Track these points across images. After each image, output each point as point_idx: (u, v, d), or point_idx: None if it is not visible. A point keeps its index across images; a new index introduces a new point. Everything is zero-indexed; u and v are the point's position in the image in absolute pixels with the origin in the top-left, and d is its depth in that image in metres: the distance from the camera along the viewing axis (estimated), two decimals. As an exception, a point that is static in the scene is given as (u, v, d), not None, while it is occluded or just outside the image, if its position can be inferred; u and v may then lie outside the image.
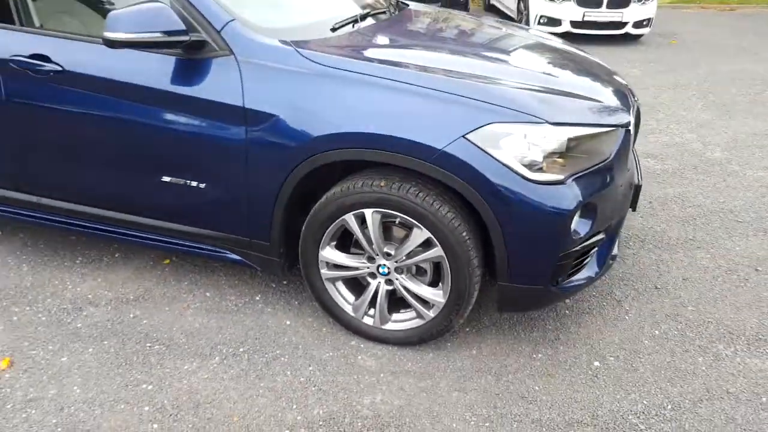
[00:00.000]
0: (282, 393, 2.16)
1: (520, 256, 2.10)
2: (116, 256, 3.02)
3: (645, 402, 2.15)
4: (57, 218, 2.68)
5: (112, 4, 2.51)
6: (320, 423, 2.04)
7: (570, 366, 2.32)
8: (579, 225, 2.14)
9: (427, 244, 2.15)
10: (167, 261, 2.97)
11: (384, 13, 2.98)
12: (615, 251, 2.49)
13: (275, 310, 2.62)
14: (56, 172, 2.56)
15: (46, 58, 2.32)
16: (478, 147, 1.97)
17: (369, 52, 2.29)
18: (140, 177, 2.41)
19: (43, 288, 2.75)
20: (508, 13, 9.81)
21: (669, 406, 2.13)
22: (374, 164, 2.16)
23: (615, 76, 2.71)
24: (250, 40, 2.16)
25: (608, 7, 8.05)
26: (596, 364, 2.34)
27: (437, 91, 2.04)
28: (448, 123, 2.00)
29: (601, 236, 2.27)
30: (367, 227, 2.20)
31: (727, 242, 3.24)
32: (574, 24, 8.19)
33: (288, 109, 2.11)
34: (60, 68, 2.31)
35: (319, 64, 2.12)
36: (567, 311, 2.65)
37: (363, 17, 2.71)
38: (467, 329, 2.51)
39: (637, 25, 8.32)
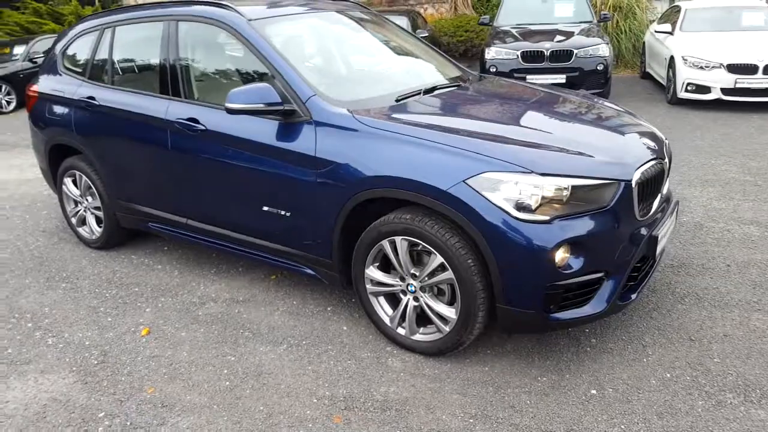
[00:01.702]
0: (321, 375, 2.77)
1: (512, 283, 2.51)
2: (239, 269, 3.91)
3: (623, 427, 2.37)
4: (197, 236, 3.65)
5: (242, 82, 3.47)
6: (341, 399, 2.60)
7: (567, 390, 2.60)
8: (571, 261, 2.49)
9: (441, 268, 2.66)
10: (273, 276, 3.79)
11: (456, 86, 3.57)
12: (633, 296, 2.75)
13: (339, 318, 3.26)
14: (197, 200, 3.54)
15: (196, 121, 3.33)
16: (475, 190, 2.48)
17: (410, 117, 2.90)
18: (250, 206, 3.25)
19: (183, 287, 3.72)
20: (659, 80, 9.70)
21: (647, 434, 2.33)
22: (410, 203, 2.73)
23: (641, 138, 2.95)
24: (323, 109, 2.92)
25: (765, 72, 7.68)
26: (593, 392, 2.59)
27: (448, 146, 2.60)
28: (453, 170, 2.54)
29: (599, 275, 2.57)
30: (398, 252, 2.77)
31: (793, 307, 3.19)
32: (725, 91, 7.92)
33: (343, 158, 2.82)
34: (204, 128, 3.30)
35: (366, 125, 2.81)
36: (589, 348, 2.91)
37: (428, 90, 3.34)
38: (488, 351, 2.91)
39: (800, 91, 7.78)
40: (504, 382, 2.68)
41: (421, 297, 2.80)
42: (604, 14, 10.07)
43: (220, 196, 3.40)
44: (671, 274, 3.60)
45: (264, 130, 3.08)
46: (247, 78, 3.29)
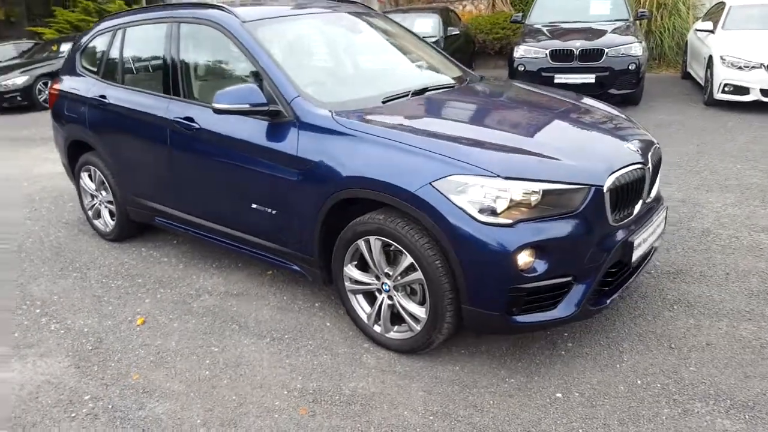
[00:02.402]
0: (297, 368, 2.86)
1: (476, 285, 2.54)
2: (239, 265, 4.04)
3: (581, 431, 2.37)
4: (197, 231, 3.80)
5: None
6: (311, 392, 2.69)
7: (533, 392, 2.61)
8: (536, 264, 2.49)
9: (412, 268, 2.70)
10: (270, 272, 3.90)
11: (449, 87, 3.59)
12: (607, 302, 2.73)
13: (324, 314, 3.34)
14: (194, 196, 3.68)
15: (191, 119, 3.47)
16: (441, 192, 2.51)
17: (388, 119, 2.94)
18: (240, 203, 3.36)
19: (184, 279, 3.88)
20: (698, 80, 9.38)
21: (604, 440, 2.32)
22: (386, 204, 2.77)
23: (624, 142, 2.90)
24: (306, 110, 3.00)
25: (806, 74, 7.34)
26: (558, 395, 2.59)
27: (418, 149, 2.64)
28: (421, 172, 2.58)
29: (566, 279, 2.57)
30: (372, 251, 2.83)
31: (786, 318, 3.09)
32: (764, 92, 7.60)
33: (322, 158, 2.89)
34: (198, 126, 3.43)
35: (345, 126, 2.87)
36: (563, 352, 2.90)
37: (419, 92, 3.37)
38: (462, 351, 2.93)
39: None
40: (472, 381, 2.70)
41: (395, 296, 2.85)
42: (642, 12, 9.80)
43: (214, 193, 3.53)
44: (666, 280, 3.53)
45: (253, 130, 3.18)
46: (240, 78, 3.40)
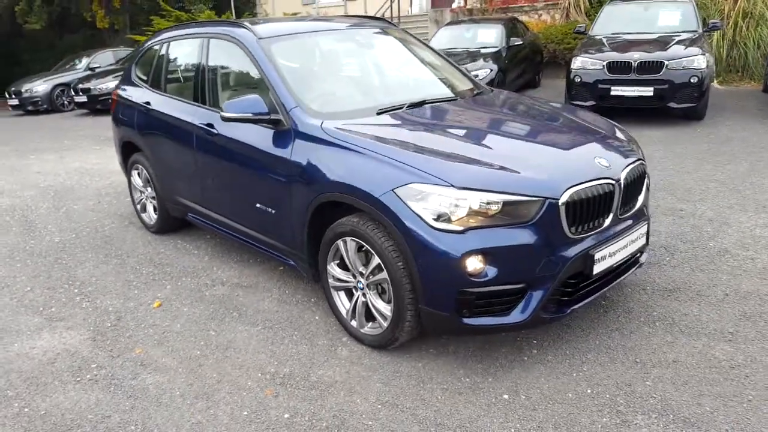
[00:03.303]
0: (276, 354, 3.14)
1: (429, 286, 2.71)
2: (258, 259, 4.39)
3: (513, 431, 2.48)
4: (219, 227, 4.18)
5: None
6: (281, 376, 2.95)
7: (482, 392, 2.74)
8: (487, 270, 2.63)
9: (380, 269, 2.91)
10: (281, 268, 4.21)
11: (450, 100, 3.77)
12: (566, 311, 2.82)
13: (317, 308, 3.60)
14: (214, 194, 4.06)
15: (212, 126, 3.85)
16: (401, 199, 2.71)
17: (371, 130, 3.14)
18: (247, 202, 3.70)
19: (205, 270, 4.27)
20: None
21: (535, 441, 2.42)
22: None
23: (595, 158, 2.94)
24: (301, 119, 3.29)
25: None
26: (505, 396, 2.70)
27: (387, 158, 2.85)
28: (386, 180, 2.78)
29: (519, 286, 2.69)
30: (348, 251, 3.06)
31: (765, 344, 3.01)
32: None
33: (309, 164, 3.16)
34: (216, 132, 3.81)
35: (330, 135, 3.13)
36: (526, 357, 3.00)
37: (416, 104, 3.57)
38: (431, 350, 3.10)
39: None
40: (429, 378, 2.87)
41: (367, 294, 3.06)
42: (714, 23, 9.38)
43: (228, 193, 3.90)
44: (659, 297, 3.52)
45: (260, 136, 3.50)
46: (253, 89, 3.73)
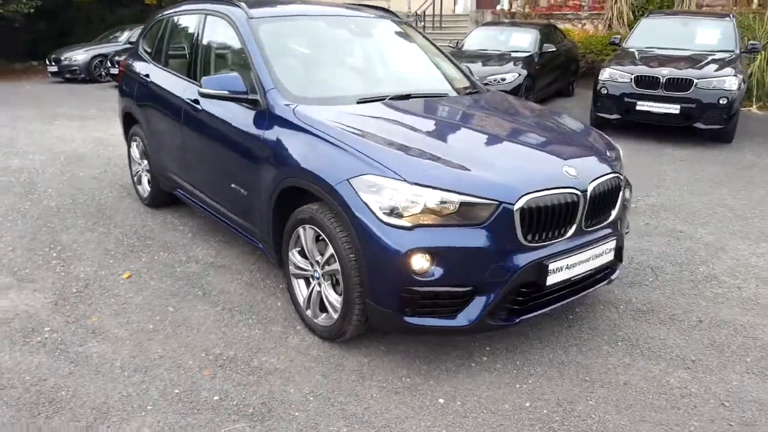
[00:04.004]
0: (226, 336, 3.13)
1: (375, 281, 2.65)
2: (239, 242, 4.37)
3: (439, 437, 2.41)
4: (200, 204, 4.19)
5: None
6: (225, 358, 2.94)
7: (418, 394, 2.67)
8: (433, 270, 2.56)
9: (333, 259, 2.87)
10: (259, 251, 4.20)
11: (440, 96, 3.70)
12: (516, 320, 2.73)
13: (282, 295, 3.57)
14: (197, 171, 4.07)
15: (197, 101, 3.86)
16: (354, 189, 2.66)
17: (342, 118, 3.08)
18: (224, 181, 3.70)
19: (184, 247, 4.29)
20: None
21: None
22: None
23: (564, 167, 2.82)
24: (276, 102, 3.26)
25: None
26: (440, 401, 2.63)
27: (348, 147, 2.80)
28: (343, 169, 2.74)
29: (465, 290, 2.61)
30: (306, 239, 3.03)
31: (733, 377, 2.86)
32: None
33: (279, 146, 3.13)
34: (201, 108, 3.82)
35: (300, 120, 3.09)
36: (474, 364, 2.92)
37: (402, 97, 3.50)
38: (382, 348, 3.04)
39: None
40: (371, 374, 2.81)
41: (322, 284, 3.02)
42: (753, 44, 9.01)
43: (208, 170, 3.91)
44: (629, 317, 3.39)
45: (240, 116, 3.48)
46: (239, 67, 3.71)
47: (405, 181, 2.57)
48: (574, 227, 2.81)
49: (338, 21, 4.12)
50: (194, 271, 3.91)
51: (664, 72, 7.85)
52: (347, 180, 2.69)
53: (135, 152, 5.16)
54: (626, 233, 3.39)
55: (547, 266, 2.69)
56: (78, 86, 14.49)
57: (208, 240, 4.41)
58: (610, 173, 2.99)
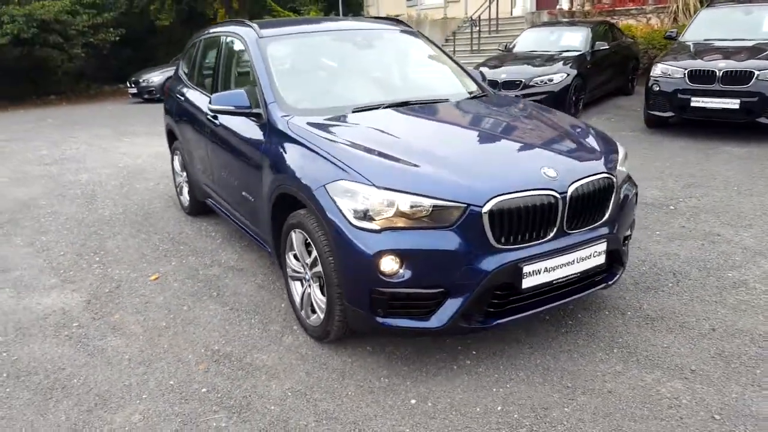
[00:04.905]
0: (228, 334, 3.32)
1: (348, 281, 2.75)
2: (258, 247, 4.60)
3: (402, 435, 2.47)
4: (222, 210, 4.46)
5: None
6: (222, 354, 3.13)
7: (392, 393, 2.73)
8: (403, 271, 2.63)
9: (317, 261, 2.99)
10: (277, 256, 4.41)
11: (441, 102, 3.75)
12: (493, 323, 2.75)
13: (283, 294, 3.74)
14: (219, 180, 4.33)
15: (216, 116, 4.12)
16: (329, 194, 2.78)
17: (333, 128, 3.20)
18: (238, 189, 3.92)
19: (211, 252, 4.57)
20: None
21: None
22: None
23: (545, 168, 2.79)
24: (274, 114, 3.44)
25: None
26: (412, 401, 2.68)
27: (329, 155, 2.92)
28: (321, 175, 2.86)
29: (437, 291, 2.65)
30: (296, 243, 3.17)
31: (734, 389, 2.72)
32: None
33: (274, 156, 3.31)
34: (218, 123, 4.07)
35: (291, 131, 3.25)
36: (456, 366, 2.93)
37: (395, 105, 3.59)
38: (368, 348, 3.12)
39: None
40: (351, 374, 2.90)
41: (312, 285, 3.15)
42: None
43: (227, 180, 4.15)
44: (634, 324, 3.28)
45: (248, 129, 3.71)
46: (251, 83, 3.94)
47: (374, 185, 2.65)
48: (555, 229, 2.78)
49: (344, 35, 4.26)
50: (215, 273, 4.16)
51: (721, 65, 7.42)
52: (324, 186, 2.81)
53: (177, 165, 5.53)
54: (628, 236, 3.29)
55: (522, 269, 2.68)
56: (153, 106, 15.50)
57: (234, 245, 4.66)
58: (599, 174, 2.92)
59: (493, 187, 2.65)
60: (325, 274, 2.89)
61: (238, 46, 4.15)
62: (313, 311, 3.19)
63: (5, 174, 7.40)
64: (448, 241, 2.61)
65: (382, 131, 3.20)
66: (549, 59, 9.75)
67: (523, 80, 9.32)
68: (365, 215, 2.66)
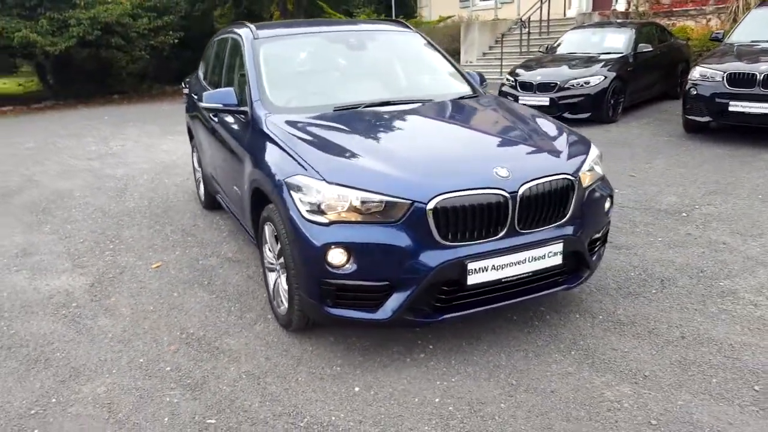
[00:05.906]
0: (206, 320, 3.52)
1: (300, 272, 2.88)
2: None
3: (334, 417, 2.56)
4: (223, 201, 4.68)
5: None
6: (195, 337, 3.32)
7: (340, 380, 2.84)
8: (349, 264, 2.73)
9: (281, 253, 3.14)
10: (274, 249, 4.58)
11: (425, 102, 3.82)
12: (439, 318, 2.81)
13: (270, 287, 3.91)
14: (219, 173, 4.56)
15: (216, 114, 4.34)
16: (288, 188, 2.92)
17: (306, 126, 3.32)
18: (231, 183, 4.13)
19: (215, 243, 4.80)
20: None
21: None
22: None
23: (498, 168, 2.82)
24: (257, 111, 3.61)
25: None
26: (356, 389, 2.78)
27: (291, 151, 3.06)
28: (282, 170, 3.01)
29: (382, 284, 2.74)
30: (267, 235, 3.33)
31: (683, 396, 2.67)
32: None
33: (253, 151, 3.48)
34: (217, 119, 4.30)
35: (267, 128, 3.41)
36: (409, 359, 3.00)
37: (375, 104, 3.69)
38: (331, 338, 3.23)
39: None
40: (307, 360, 3.03)
41: (280, 276, 3.30)
42: None
43: (224, 174, 4.37)
44: (601, 328, 3.25)
45: (237, 125, 3.91)
46: (244, 81, 4.11)
47: (325, 180, 2.77)
48: (506, 228, 2.80)
49: (338, 37, 4.39)
50: (211, 264, 4.38)
51: (762, 68, 7.06)
52: (283, 180, 2.95)
53: (195, 161, 5.82)
54: (598, 238, 3.27)
55: (467, 265, 2.72)
56: (209, 104, 16.15)
57: (237, 238, 4.88)
58: (556, 174, 2.92)
59: (439, 185, 2.71)
60: (285, 265, 3.03)
61: (238, 46, 4.35)
62: (283, 301, 3.34)
63: (53, 168, 7.96)
64: (394, 236, 2.69)
65: (350, 130, 3.30)
66: (588, 61, 9.54)
67: (558, 82, 9.17)
68: (318, 209, 2.77)
